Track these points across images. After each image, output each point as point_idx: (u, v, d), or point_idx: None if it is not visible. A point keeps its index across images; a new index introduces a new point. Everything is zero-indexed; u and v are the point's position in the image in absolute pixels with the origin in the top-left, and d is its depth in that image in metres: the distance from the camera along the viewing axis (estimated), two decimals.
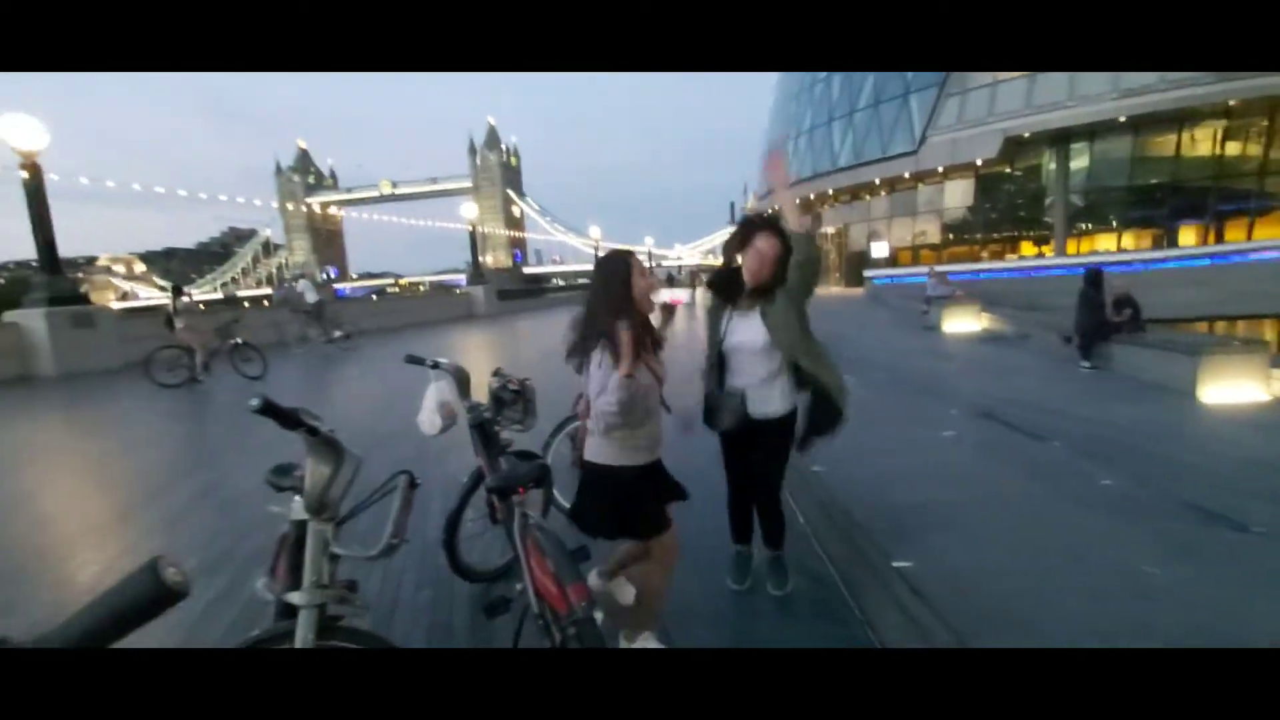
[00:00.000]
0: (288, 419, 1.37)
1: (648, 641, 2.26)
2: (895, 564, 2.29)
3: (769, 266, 2.20)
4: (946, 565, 2.30)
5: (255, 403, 1.33)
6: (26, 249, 10.91)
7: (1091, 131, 23.85)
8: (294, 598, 1.39)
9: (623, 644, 2.19)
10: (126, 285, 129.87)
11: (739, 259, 2.28)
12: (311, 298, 13.07)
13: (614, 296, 1.91)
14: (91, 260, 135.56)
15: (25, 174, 10.35)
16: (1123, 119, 22.49)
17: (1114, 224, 25.44)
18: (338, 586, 1.45)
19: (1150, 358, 7.29)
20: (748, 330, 2.29)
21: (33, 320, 10.56)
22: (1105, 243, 25.46)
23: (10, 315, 10.84)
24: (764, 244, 2.21)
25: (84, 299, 11.94)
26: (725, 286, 2.36)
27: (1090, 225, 26.13)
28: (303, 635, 1.37)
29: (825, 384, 2.28)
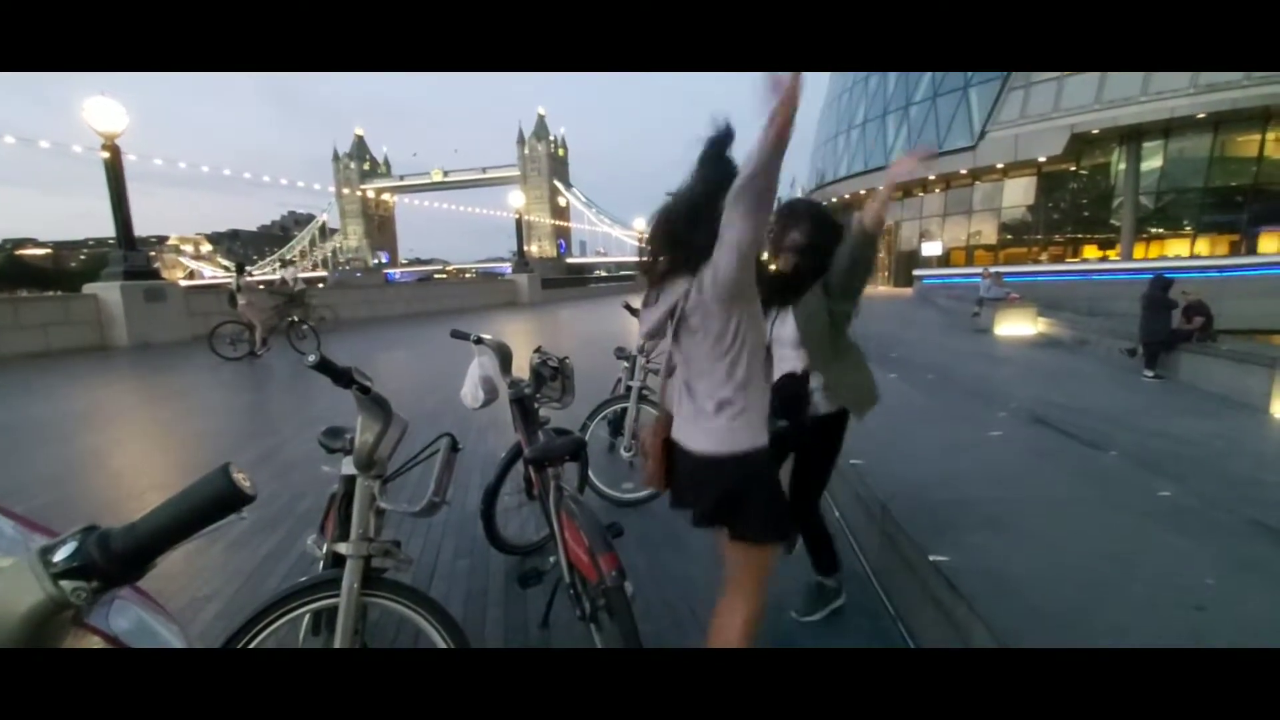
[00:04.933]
0: (341, 376, 1.44)
1: None
2: (932, 558, 2.24)
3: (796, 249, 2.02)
4: (986, 562, 2.23)
5: (312, 359, 1.41)
6: (105, 227, 11.67)
7: (1166, 129, 22.47)
8: (341, 548, 1.47)
9: None
10: (193, 264, 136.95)
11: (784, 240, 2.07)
12: (298, 286, 13.45)
13: None
14: (163, 239, 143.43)
15: (106, 154, 11.02)
16: (1201, 115, 21.07)
17: (1188, 228, 23.95)
18: (382, 542, 1.52)
19: (1221, 368, 6.91)
20: (785, 326, 2.11)
21: (110, 293, 11.27)
22: (1177, 247, 23.99)
23: (90, 287, 11.60)
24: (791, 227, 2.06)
25: (156, 274, 12.68)
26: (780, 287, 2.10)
27: (1161, 229, 24.65)
28: (348, 583, 1.44)
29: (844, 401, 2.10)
